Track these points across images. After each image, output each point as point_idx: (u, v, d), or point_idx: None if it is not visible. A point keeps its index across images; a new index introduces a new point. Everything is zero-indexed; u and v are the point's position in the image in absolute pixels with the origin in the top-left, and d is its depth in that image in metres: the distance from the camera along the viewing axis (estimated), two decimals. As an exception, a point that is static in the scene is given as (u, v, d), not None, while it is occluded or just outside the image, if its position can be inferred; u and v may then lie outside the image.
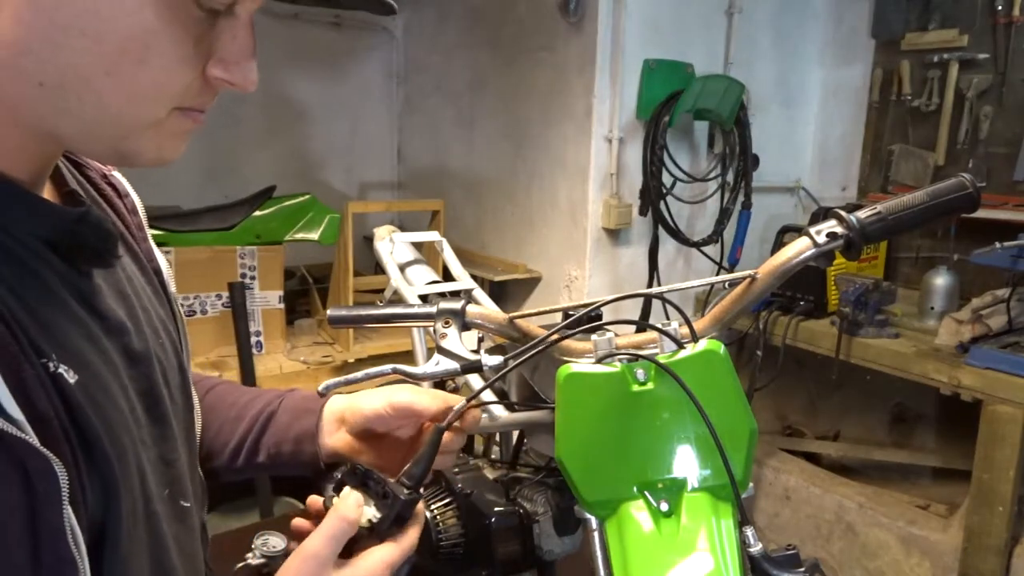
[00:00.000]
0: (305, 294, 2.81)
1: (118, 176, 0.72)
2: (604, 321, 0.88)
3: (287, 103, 3.20)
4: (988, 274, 2.32)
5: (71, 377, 0.52)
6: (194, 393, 0.77)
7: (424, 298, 1.39)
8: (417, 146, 3.45)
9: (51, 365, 0.51)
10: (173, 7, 0.49)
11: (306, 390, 0.91)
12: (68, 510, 0.48)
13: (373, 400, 0.84)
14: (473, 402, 0.82)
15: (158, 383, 0.65)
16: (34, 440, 0.47)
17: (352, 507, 0.67)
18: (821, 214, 1.30)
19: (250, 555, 0.90)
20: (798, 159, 2.97)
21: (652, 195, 2.41)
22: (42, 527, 0.48)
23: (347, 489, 0.71)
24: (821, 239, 0.83)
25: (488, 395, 1.25)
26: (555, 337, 0.80)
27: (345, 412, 0.86)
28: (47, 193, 0.59)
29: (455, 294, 1.46)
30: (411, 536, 0.70)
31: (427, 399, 0.82)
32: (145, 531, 0.60)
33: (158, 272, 0.75)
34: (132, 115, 0.51)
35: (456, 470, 1.04)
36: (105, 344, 0.58)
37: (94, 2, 0.47)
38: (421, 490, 0.74)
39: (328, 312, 0.88)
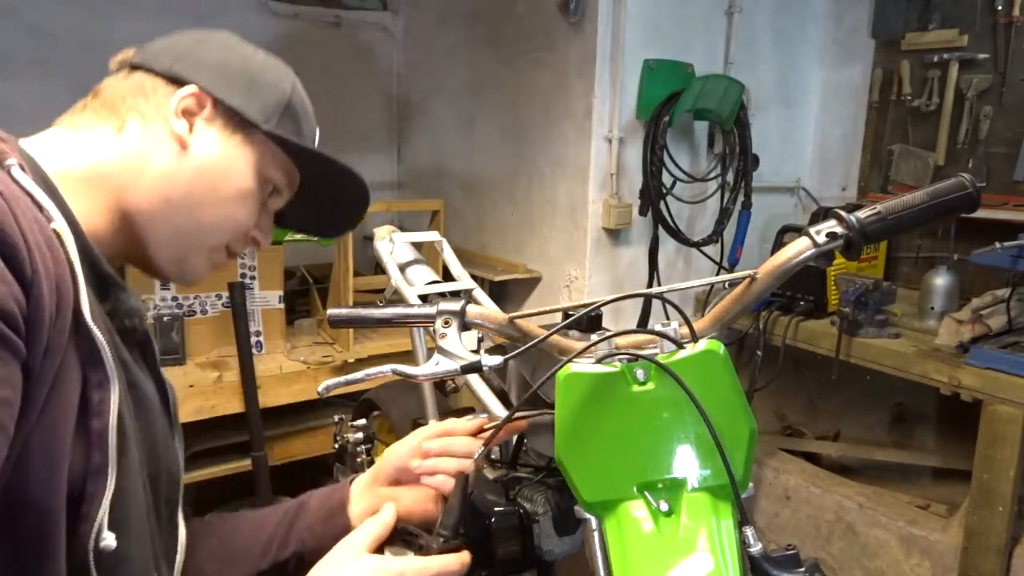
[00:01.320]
0: (305, 294, 2.81)
1: None
2: (609, 334, 0.88)
3: (287, 103, 3.20)
4: (988, 274, 2.32)
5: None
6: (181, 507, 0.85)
7: (424, 298, 1.39)
8: (417, 146, 3.45)
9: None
10: (262, 184, 0.82)
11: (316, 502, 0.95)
12: (113, 417, 0.63)
13: (405, 442, 0.92)
14: (503, 422, 0.84)
15: (156, 443, 0.77)
16: (105, 350, 0.63)
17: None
18: (821, 214, 1.30)
19: None
20: (798, 159, 2.97)
21: (652, 195, 2.40)
22: (88, 428, 0.62)
23: (387, 552, 0.77)
24: (821, 239, 0.83)
25: (488, 396, 1.24)
26: (581, 348, 0.80)
27: (378, 470, 0.93)
28: None
29: (455, 294, 1.46)
30: (451, 558, 0.77)
31: (460, 423, 0.92)
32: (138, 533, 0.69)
33: (161, 381, 0.85)
34: (210, 238, 0.80)
35: (456, 470, 1.04)
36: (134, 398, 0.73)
37: (229, 164, 0.78)
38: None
39: (328, 312, 0.88)
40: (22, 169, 0.64)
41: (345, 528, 0.88)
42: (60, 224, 0.63)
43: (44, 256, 0.59)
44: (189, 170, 0.76)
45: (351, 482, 0.95)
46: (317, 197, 0.88)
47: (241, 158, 0.79)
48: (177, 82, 0.77)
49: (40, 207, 0.62)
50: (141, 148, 0.75)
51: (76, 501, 0.61)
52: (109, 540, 0.62)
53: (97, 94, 0.78)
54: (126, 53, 0.81)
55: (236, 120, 0.79)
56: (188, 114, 0.77)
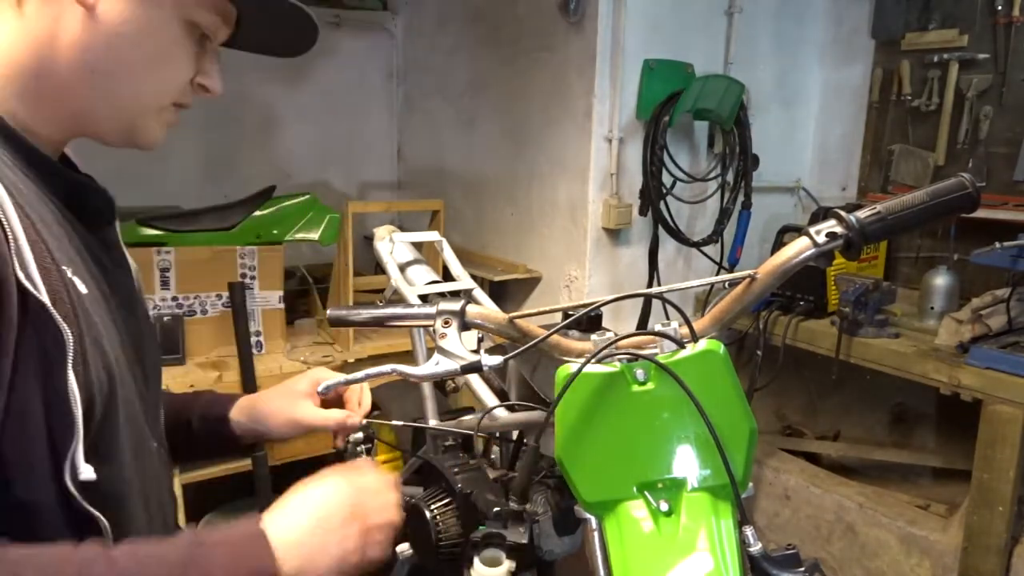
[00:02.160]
0: (305, 294, 2.81)
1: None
2: (616, 338, 0.88)
3: (287, 103, 3.20)
4: (988, 274, 2.32)
5: (83, 288, 0.69)
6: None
7: (424, 298, 1.39)
8: (417, 146, 3.45)
9: (67, 271, 0.67)
10: (190, 31, 0.75)
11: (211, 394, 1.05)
12: (72, 375, 0.63)
13: (278, 419, 0.99)
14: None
15: (143, 335, 0.82)
16: (49, 306, 0.62)
17: None
18: (821, 214, 1.30)
19: None
20: (798, 159, 2.97)
21: (652, 195, 2.40)
22: (51, 387, 0.62)
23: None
24: (821, 239, 0.83)
25: (488, 396, 1.24)
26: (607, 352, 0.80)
27: (252, 413, 1.00)
28: None
29: (455, 294, 1.46)
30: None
31: (323, 416, 0.98)
32: (131, 432, 0.74)
33: (130, 272, 0.88)
34: (150, 100, 0.75)
35: (456, 470, 1.04)
36: (111, 294, 0.76)
37: (143, 20, 0.71)
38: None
39: (328, 312, 0.88)
40: None
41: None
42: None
43: None
44: (104, 33, 0.70)
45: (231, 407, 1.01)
46: (260, 26, 0.81)
47: (157, 7, 0.71)
48: None
49: None
50: (46, 21, 0.69)
51: (56, 447, 0.64)
52: (87, 472, 0.64)
53: None
54: None
55: None
56: None
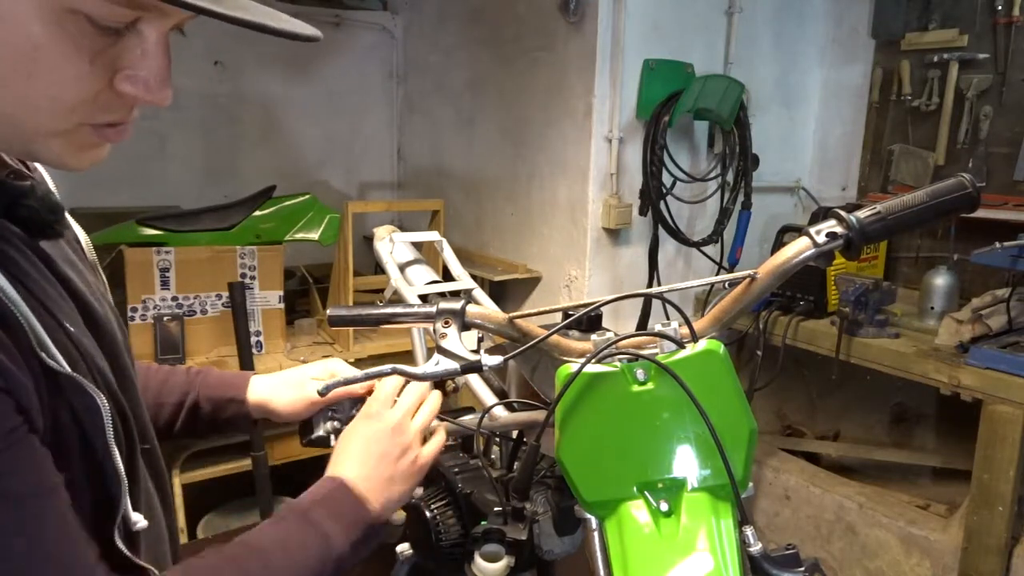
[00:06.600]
0: (305, 294, 2.81)
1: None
2: (618, 338, 0.88)
3: (287, 103, 3.20)
4: (988, 274, 2.32)
5: (71, 327, 0.61)
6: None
7: (424, 298, 1.39)
8: (417, 146, 3.45)
9: (67, 325, 0.60)
10: (62, 23, 0.50)
11: (217, 372, 1.02)
12: (111, 434, 0.60)
13: (291, 397, 0.98)
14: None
15: (117, 340, 0.72)
16: (78, 378, 0.57)
17: None
18: (821, 214, 1.30)
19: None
20: (798, 159, 2.97)
21: (652, 195, 2.40)
22: (91, 452, 0.59)
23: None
24: (821, 239, 0.83)
25: (488, 396, 1.24)
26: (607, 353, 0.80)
27: (269, 403, 0.99)
28: None
29: (455, 294, 1.46)
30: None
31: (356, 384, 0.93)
32: (143, 451, 0.71)
33: (77, 241, 0.77)
34: (29, 124, 0.53)
35: (456, 470, 1.04)
36: (71, 305, 0.65)
37: (6, 14, 0.48)
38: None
39: (328, 312, 0.88)
40: None
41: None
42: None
43: None
44: None
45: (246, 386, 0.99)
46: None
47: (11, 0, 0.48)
48: None
49: None
50: None
51: (102, 508, 0.62)
52: (141, 521, 0.64)
53: None
54: None
55: None
56: None
